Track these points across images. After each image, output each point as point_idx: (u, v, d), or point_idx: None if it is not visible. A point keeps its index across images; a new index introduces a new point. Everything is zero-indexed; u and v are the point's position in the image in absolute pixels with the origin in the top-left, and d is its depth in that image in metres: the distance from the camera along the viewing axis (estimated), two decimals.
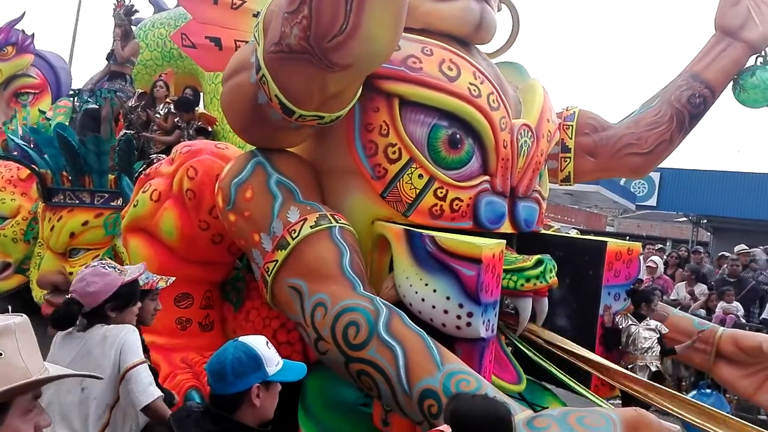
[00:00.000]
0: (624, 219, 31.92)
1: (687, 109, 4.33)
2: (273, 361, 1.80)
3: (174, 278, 2.84)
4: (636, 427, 2.25)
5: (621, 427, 2.23)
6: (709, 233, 23.00)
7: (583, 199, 20.55)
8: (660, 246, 12.41)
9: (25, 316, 1.18)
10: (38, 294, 5.89)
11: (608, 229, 31.25)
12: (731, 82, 4.41)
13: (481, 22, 3.59)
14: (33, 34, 8.93)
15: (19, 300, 5.99)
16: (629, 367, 4.17)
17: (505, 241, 3.13)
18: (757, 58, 4.39)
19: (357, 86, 3.00)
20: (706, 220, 21.56)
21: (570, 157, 4.63)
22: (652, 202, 19.86)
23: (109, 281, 2.26)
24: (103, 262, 2.48)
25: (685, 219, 23.91)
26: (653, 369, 4.19)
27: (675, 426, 2.35)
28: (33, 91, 8.94)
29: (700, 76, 4.34)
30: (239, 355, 1.75)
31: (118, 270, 2.37)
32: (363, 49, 2.51)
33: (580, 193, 16.99)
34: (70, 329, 2.35)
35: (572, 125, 4.60)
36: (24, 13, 9.02)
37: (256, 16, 3.65)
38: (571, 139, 4.60)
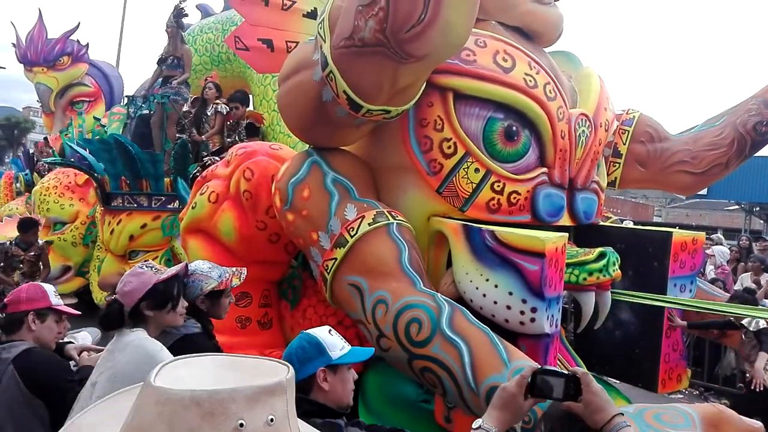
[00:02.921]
0: (672, 209, 31.06)
1: (751, 135, 4.13)
2: (336, 346, 1.83)
3: (245, 270, 2.83)
4: (716, 424, 2.17)
5: (701, 423, 2.16)
6: (762, 221, 22.17)
7: (631, 188, 20.07)
8: (716, 235, 11.99)
9: (291, 367, 0.96)
10: (99, 296, 6.09)
11: (656, 219, 30.47)
12: None
13: (562, 30, 3.75)
14: (87, 44, 9.27)
15: (80, 302, 6.20)
16: None
17: (567, 234, 3.07)
18: None
19: (424, 79, 2.98)
20: (758, 208, 20.78)
21: (620, 163, 4.50)
22: (703, 190, 19.20)
23: (144, 279, 2.22)
24: (143, 263, 2.41)
25: (735, 207, 23.11)
26: None
27: (757, 422, 2.25)
28: (87, 99, 9.28)
29: None
30: (302, 344, 1.82)
31: (155, 269, 2.34)
32: (440, 39, 2.47)
33: (621, 189, 16.50)
34: (122, 329, 2.35)
35: (629, 130, 4.46)
36: (79, 23, 9.37)
37: (306, 16, 3.67)
38: (624, 145, 4.47)
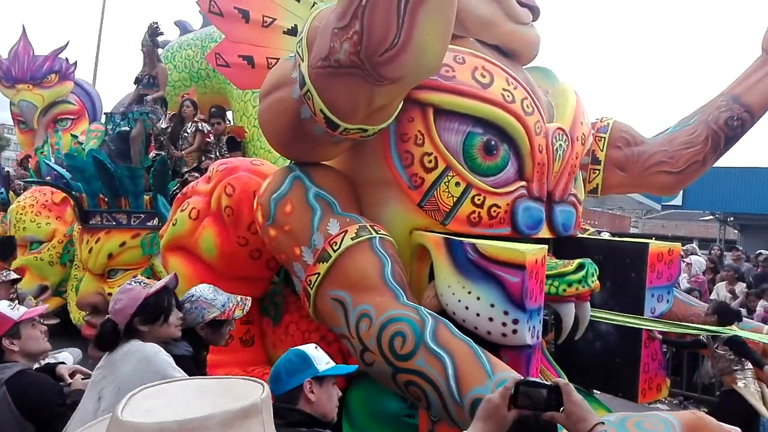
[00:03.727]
0: (648, 220, 31.52)
1: (723, 131, 4.24)
2: (322, 360, 1.94)
3: (250, 300, 2.83)
4: (696, 430, 2.21)
5: (681, 430, 2.19)
6: (736, 231, 22.64)
7: (607, 200, 20.40)
8: (690, 245, 12.20)
9: (265, 384, 0.93)
10: (77, 316, 5.99)
11: (632, 230, 30.87)
12: None
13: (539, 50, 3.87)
14: (76, 62, 9.23)
15: (58, 322, 6.08)
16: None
17: (546, 247, 3.11)
18: None
19: (401, 99, 3.02)
20: (732, 218, 21.22)
21: (599, 169, 4.59)
22: (678, 201, 19.54)
23: (133, 295, 2.24)
24: (132, 279, 2.44)
25: (710, 217, 23.56)
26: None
27: (735, 428, 2.30)
28: (71, 117, 9.21)
29: (740, 98, 4.23)
30: (290, 357, 1.94)
31: (144, 284, 2.35)
32: (414, 62, 2.51)
33: (604, 195, 16.80)
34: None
35: (605, 137, 4.56)
36: (68, 42, 9.34)
37: (286, 33, 3.70)
38: (602, 151, 4.56)
